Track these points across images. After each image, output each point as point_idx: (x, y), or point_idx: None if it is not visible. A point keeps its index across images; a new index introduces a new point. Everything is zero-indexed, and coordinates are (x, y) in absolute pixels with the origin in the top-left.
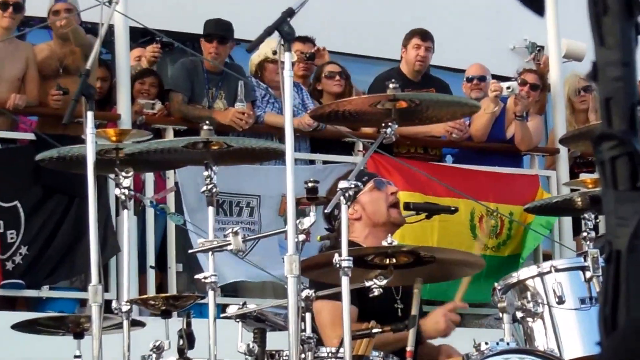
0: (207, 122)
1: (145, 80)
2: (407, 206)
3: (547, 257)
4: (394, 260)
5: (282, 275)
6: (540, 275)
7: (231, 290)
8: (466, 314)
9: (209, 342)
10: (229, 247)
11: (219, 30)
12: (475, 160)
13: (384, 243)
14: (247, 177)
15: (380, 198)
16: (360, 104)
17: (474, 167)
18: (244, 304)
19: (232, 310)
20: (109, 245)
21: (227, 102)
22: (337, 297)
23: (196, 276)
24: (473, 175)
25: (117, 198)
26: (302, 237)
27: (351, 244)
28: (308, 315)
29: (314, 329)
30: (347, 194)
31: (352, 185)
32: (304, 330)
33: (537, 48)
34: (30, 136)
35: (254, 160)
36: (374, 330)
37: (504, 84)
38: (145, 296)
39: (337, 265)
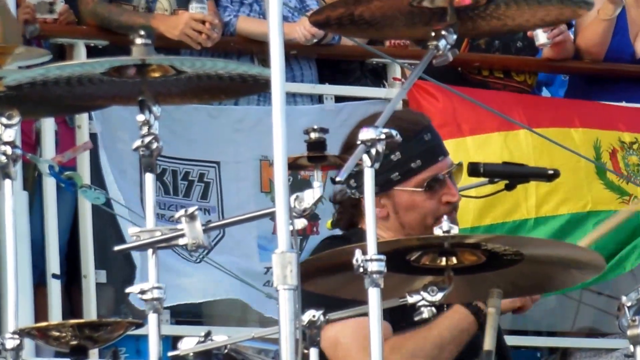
0: (143, 32)
1: None
2: (475, 170)
3: None
4: (455, 260)
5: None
6: None
7: (186, 313)
8: (576, 348)
9: None
10: (180, 241)
11: None
12: (588, 92)
13: (438, 230)
14: (204, 128)
15: (428, 207)
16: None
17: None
18: (208, 334)
19: (187, 345)
20: None
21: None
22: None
23: (128, 289)
24: (589, 108)
25: None
26: (301, 222)
27: None
28: (314, 352)
29: None
30: (373, 150)
31: (382, 136)
32: None
33: None
34: None
35: (218, 95)
36: None
37: None
38: (45, 324)
39: (360, 269)
